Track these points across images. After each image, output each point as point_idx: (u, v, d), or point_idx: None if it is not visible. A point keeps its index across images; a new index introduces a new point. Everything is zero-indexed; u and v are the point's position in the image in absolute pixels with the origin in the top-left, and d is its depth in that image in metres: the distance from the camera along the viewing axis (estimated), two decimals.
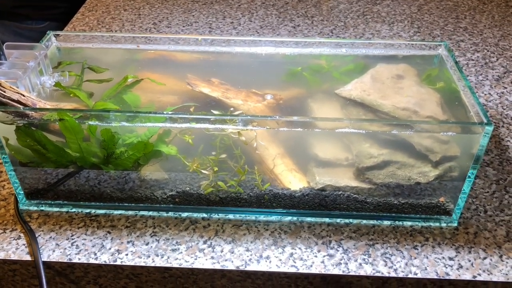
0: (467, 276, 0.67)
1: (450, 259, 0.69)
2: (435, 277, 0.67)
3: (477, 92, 1.03)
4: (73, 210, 0.77)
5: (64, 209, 0.77)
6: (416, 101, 0.72)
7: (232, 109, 0.72)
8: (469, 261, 0.69)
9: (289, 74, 0.80)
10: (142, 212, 0.76)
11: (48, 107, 0.70)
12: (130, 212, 0.76)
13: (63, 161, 0.71)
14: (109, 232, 0.73)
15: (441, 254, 0.70)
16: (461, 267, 0.68)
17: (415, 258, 0.69)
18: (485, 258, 0.69)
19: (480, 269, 0.68)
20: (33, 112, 0.67)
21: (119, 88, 0.75)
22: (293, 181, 0.73)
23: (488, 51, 1.17)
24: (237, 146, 0.71)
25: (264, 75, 0.81)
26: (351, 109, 0.74)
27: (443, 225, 0.74)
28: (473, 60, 1.14)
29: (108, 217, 0.76)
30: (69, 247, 0.71)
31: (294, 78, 0.80)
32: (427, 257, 0.69)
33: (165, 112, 0.66)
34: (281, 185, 0.73)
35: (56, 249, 0.71)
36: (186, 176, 0.74)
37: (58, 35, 0.85)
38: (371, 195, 0.73)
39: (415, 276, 0.67)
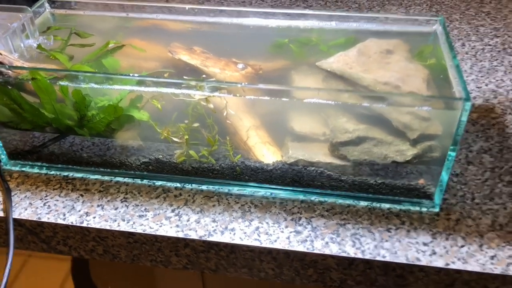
0: (439, 263, 0.63)
1: (424, 244, 0.65)
2: (404, 261, 0.63)
3: (488, 77, 0.96)
4: (52, 172, 0.78)
5: (44, 171, 0.78)
6: (400, 76, 0.68)
7: (204, 76, 0.70)
8: (445, 248, 0.65)
9: (275, 46, 0.78)
10: (117, 178, 0.76)
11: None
12: (106, 178, 0.76)
13: (39, 122, 0.72)
14: (81, 195, 0.74)
15: (415, 239, 0.66)
16: (435, 253, 0.64)
17: (387, 241, 0.66)
18: (462, 246, 0.65)
19: (455, 257, 0.63)
20: (8, 71, 0.68)
21: (100, 53, 0.75)
22: (266, 154, 0.71)
23: (509, 36, 1.10)
24: (210, 115, 0.69)
25: (250, 46, 0.79)
26: (331, 82, 0.70)
27: (423, 209, 0.70)
28: (490, 45, 1.06)
29: (84, 181, 0.76)
30: (41, 206, 0.72)
31: (280, 50, 0.77)
32: (399, 241, 0.66)
33: (130, 75, 0.65)
34: (254, 157, 0.71)
35: (28, 207, 0.72)
36: (160, 145, 0.73)
37: (53, 1, 0.86)
38: (345, 172, 0.69)
39: (382, 259, 0.63)
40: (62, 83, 0.67)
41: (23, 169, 0.78)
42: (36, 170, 0.78)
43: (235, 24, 0.82)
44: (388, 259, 0.63)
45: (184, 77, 0.69)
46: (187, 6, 0.82)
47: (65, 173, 0.77)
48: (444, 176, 0.66)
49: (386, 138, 0.67)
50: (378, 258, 0.64)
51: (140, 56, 0.76)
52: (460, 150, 0.79)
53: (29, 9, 0.78)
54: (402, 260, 0.63)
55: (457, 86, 0.63)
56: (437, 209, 0.69)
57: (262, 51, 0.77)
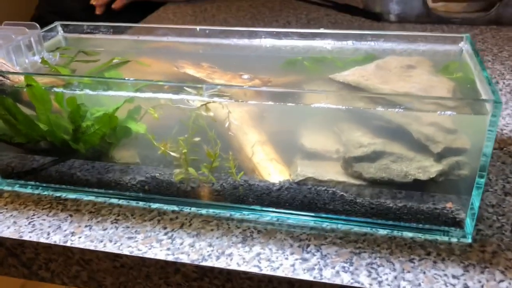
0: None
1: (454, 277, 0.55)
2: None
3: None
4: (45, 192, 0.72)
5: (36, 191, 0.73)
6: (423, 87, 0.61)
7: (204, 86, 0.65)
8: (479, 282, 0.54)
9: (288, 63, 0.73)
10: (112, 200, 0.70)
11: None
12: (100, 199, 0.70)
13: (34, 135, 0.68)
14: (70, 215, 0.67)
15: (443, 270, 0.56)
16: (467, 287, 0.53)
17: (409, 272, 0.56)
18: (501, 281, 0.54)
19: None
20: (5, 79, 0.66)
21: (103, 67, 0.72)
22: (272, 172, 0.64)
23: None
24: (212, 128, 0.63)
25: (261, 64, 0.75)
26: (343, 95, 0.64)
27: (453, 240, 0.60)
28: None
29: (76, 202, 0.70)
30: (25, 225, 0.66)
31: (293, 67, 0.72)
32: (424, 272, 0.55)
33: (126, 79, 0.61)
34: (259, 176, 0.64)
35: (12, 226, 0.66)
36: (158, 162, 0.68)
37: (66, 25, 0.85)
38: (361, 194, 0.61)
39: None
40: (57, 89, 0.63)
41: (15, 188, 0.73)
42: (28, 190, 0.73)
43: (246, 45, 0.78)
44: None
45: (185, 87, 0.64)
46: (198, 27, 0.79)
47: (58, 194, 0.72)
48: (476, 197, 0.57)
49: (407, 153, 0.59)
50: None
51: (145, 72, 0.73)
52: (496, 180, 0.70)
53: (37, 25, 0.77)
54: None
55: (486, 94, 0.56)
56: (469, 240, 0.59)
57: (274, 69, 0.73)
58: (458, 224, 0.59)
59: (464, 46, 0.70)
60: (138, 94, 0.61)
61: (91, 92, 0.62)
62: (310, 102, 0.57)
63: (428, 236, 0.60)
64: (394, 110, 0.54)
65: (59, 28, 0.85)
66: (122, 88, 0.62)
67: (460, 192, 0.59)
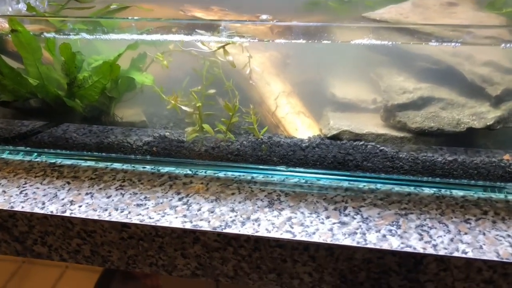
0: None
1: None
2: (495, 258, 0.45)
3: None
4: (37, 159, 0.64)
5: (28, 158, 0.64)
6: (472, 23, 0.53)
7: (222, 27, 0.56)
8: None
9: (311, 3, 0.64)
10: (115, 165, 0.61)
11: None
12: (101, 165, 0.62)
13: (22, 91, 0.59)
14: (68, 183, 0.59)
15: (505, 231, 0.48)
16: None
17: (466, 233, 0.48)
18: None
19: None
20: None
21: (99, 14, 0.63)
22: (300, 127, 0.56)
23: None
24: (229, 78, 0.55)
25: (280, 6, 0.66)
26: (383, 33, 0.56)
27: (510, 197, 0.52)
28: None
29: (73, 168, 0.61)
30: (16, 195, 0.57)
31: (316, 7, 0.64)
32: (483, 234, 0.48)
33: (129, 18, 0.52)
34: (284, 132, 0.56)
35: (0, 196, 0.57)
36: (167, 120, 0.59)
37: None
38: (404, 148, 0.53)
39: (464, 256, 0.46)
40: (47, 34, 0.54)
41: (3, 155, 0.64)
42: (19, 157, 0.64)
43: None
44: (470, 255, 0.46)
45: (197, 30, 0.55)
46: None
47: (52, 160, 0.63)
48: None
49: (458, 98, 0.51)
50: (456, 254, 0.46)
51: (146, 17, 0.63)
52: None
53: None
54: (491, 257, 0.46)
55: None
56: None
57: (295, 10, 0.64)
58: None
59: None
60: (143, 37, 0.52)
61: (88, 37, 0.53)
62: (349, 38, 0.48)
63: (482, 194, 0.53)
64: (450, 45, 0.46)
65: None
66: (125, 31, 0.53)
67: None
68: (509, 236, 0.48)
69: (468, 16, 0.55)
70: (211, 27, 0.51)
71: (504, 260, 0.45)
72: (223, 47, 0.51)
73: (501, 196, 0.53)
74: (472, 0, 0.60)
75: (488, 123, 0.50)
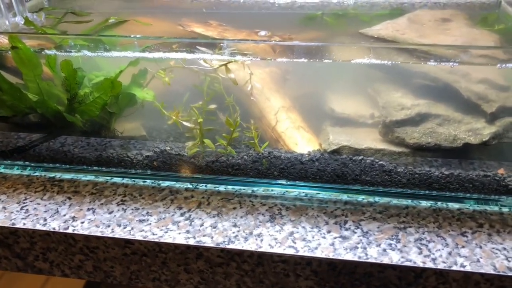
0: None
1: None
2: (492, 272, 0.47)
3: None
4: (36, 173, 0.63)
5: (26, 172, 0.64)
6: (466, 40, 0.55)
7: (223, 44, 0.57)
8: None
9: (307, 18, 0.65)
10: (115, 179, 0.62)
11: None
12: (101, 179, 0.62)
13: (21, 106, 0.59)
14: (69, 198, 0.59)
15: (501, 244, 0.50)
16: None
17: (463, 247, 0.50)
18: None
19: None
20: None
21: (98, 28, 0.63)
22: (300, 142, 0.57)
23: None
24: (230, 93, 0.56)
25: (276, 22, 0.67)
26: (382, 52, 0.57)
27: (504, 210, 0.54)
28: None
29: (74, 183, 0.62)
30: (17, 211, 0.57)
31: (313, 23, 0.65)
32: (480, 247, 0.50)
33: (131, 36, 0.52)
34: (284, 147, 0.57)
35: (1, 212, 0.57)
36: (168, 134, 0.60)
37: None
38: (402, 162, 0.55)
39: (462, 269, 0.47)
40: (48, 51, 0.54)
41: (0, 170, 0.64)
42: (17, 172, 0.64)
43: (257, 2, 0.70)
44: (469, 268, 0.47)
45: (198, 47, 0.56)
46: None
47: (52, 174, 0.63)
48: None
49: (454, 114, 0.52)
50: (455, 268, 0.48)
51: (145, 32, 0.64)
52: None
53: None
54: (488, 270, 0.47)
55: None
56: None
57: (291, 25, 0.65)
58: (510, 192, 0.54)
59: None
60: (145, 55, 0.53)
61: (89, 54, 0.53)
62: (350, 57, 0.49)
63: (477, 207, 0.55)
64: (448, 65, 0.48)
65: None
66: (126, 48, 0.53)
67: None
68: (504, 249, 0.49)
69: (462, 33, 0.57)
70: (213, 45, 0.52)
71: (501, 273, 0.47)
72: (225, 65, 0.52)
73: (496, 208, 0.54)
74: (465, 15, 0.62)
75: (484, 139, 0.51)
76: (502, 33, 0.57)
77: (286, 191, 0.58)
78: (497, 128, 0.51)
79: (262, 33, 0.58)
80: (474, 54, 0.49)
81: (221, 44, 0.51)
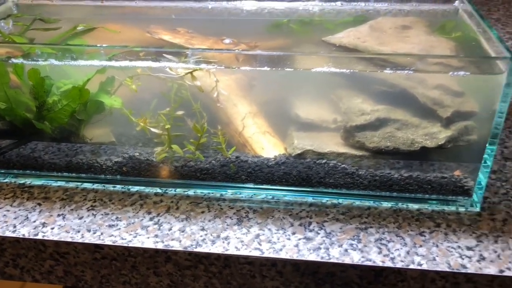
0: (491, 270, 0.49)
1: (469, 248, 0.52)
2: (447, 269, 0.49)
3: None
4: (5, 180, 0.64)
5: None
6: (423, 47, 0.57)
7: (189, 51, 0.58)
8: (495, 252, 0.51)
9: (273, 26, 0.67)
10: (85, 185, 0.62)
11: None
12: (71, 185, 0.63)
13: None
14: (39, 204, 0.60)
15: (456, 242, 0.52)
16: (483, 259, 0.50)
17: (421, 246, 0.52)
18: None
19: (510, 262, 0.50)
20: None
21: (66, 35, 0.64)
22: (266, 146, 0.58)
23: None
24: (197, 100, 0.57)
25: (244, 29, 0.68)
26: (342, 61, 0.59)
27: (461, 209, 0.57)
28: None
29: (44, 189, 0.62)
30: None
31: (279, 30, 0.66)
32: (436, 246, 0.52)
33: (98, 45, 0.53)
34: (251, 151, 0.59)
35: None
36: (136, 140, 0.61)
37: None
38: (363, 165, 0.57)
39: (419, 268, 0.50)
40: (15, 60, 0.55)
41: None
42: None
43: (225, 9, 0.71)
44: (425, 267, 0.50)
45: (164, 55, 0.57)
46: None
47: (21, 181, 0.63)
48: (487, 164, 0.54)
49: (412, 119, 0.55)
50: (412, 267, 0.50)
51: (114, 39, 0.65)
52: None
53: None
54: (443, 268, 0.50)
55: (497, 52, 0.52)
56: (477, 208, 0.56)
57: (258, 33, 0.67)
58: (466, 192, 0.56)
59: (460, 5, 0.66)
60: (112, 63, 0.54)
61: (57, 63, 0.54)
62: (311, 66, 0.51)
63: (435, 207, 0.57)
64: (404, 72, 0.50)
65: None
66: (93, 57, 0.54)
67: (468, 159, 0.56)
68: (459, 247, 0.52)
69: (420, 40, 0.59)
70: (179, 53, 0.53)
71: (455, 271, 0.49)
72: (190, 73, 0.53)
73: (453, 208, 0.57)
74: (425, 23, 0.65)
75: (439, 143, 0.54)
76: (459, 40, 0.60)
77: (254, 194, 0.60)
78: (452, 132, 0.54)
79: (227, 41, 0.60)
80: (429, 62, 0.52)
81: (186, 53, 0.52)
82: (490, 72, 0.50)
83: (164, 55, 0.53)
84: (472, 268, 0.49)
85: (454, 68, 0.50)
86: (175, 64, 0.52)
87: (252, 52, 0.53)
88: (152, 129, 0.57)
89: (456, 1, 0.67)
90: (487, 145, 0.52)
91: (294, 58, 0.51)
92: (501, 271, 0.49)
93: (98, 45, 0.53)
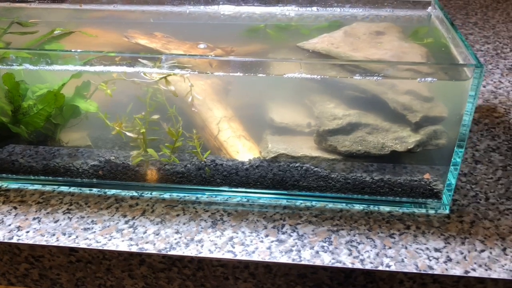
0: (457, 271, 0.50)
1: (437, 250, 0.53)
2: (414, 270, 0.51)
3: (485, 79, 0.88)
4: None
5: None
6: (395, 53, 0.58)
7: (163, 56, 0.59)
8: (461, 253, 0.52)
9: (250, 31, 0.68)
10: (62, 188, 0.63)
11: None
12: (48, 188, 0.63)
13: None
14: (15, 208, 0.60)
15: (424, 244, 0.54)
16: (450, 260, 0.52)
17: (390, 248, 0.53)
18: (483, 250, 0.53)
19: (475, 263, 0.51)
20: None
21: (43, 39, 0.64)
22: (241, 150, 0.59)
23: (500, 43, 1.03)
24: (172, 104, 0.58)
25: (221, 33, 0.69)
26: (313, 65, 0.60)
27: (431, 212, 0.58)
28: (482, 51, 0.99)
29: (20, 192, 0.62)
30: None
31: (256, 35, 0.67)
32: (405, 247, 0.53)
33: (73, 50, 0.53)
34: (226, 155, 0.59)
35: None
36: (113, 143, 0.61)
37: None
38: (336, 169, 0.58)
39: (387, 269, 0.51)
40: None
41: None
42: None
43: (203, 13, 0.72)
44: (393, 268, 0.51)
45: (140, 60, 0.57)
46: None
47: None
48: (456, 165, 0.55)
49: (382, 124, 0.56)
50: (381, 268, 0.51)
51: (91, 43, 0.65)
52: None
53: None
54: (411, 269, 0.51)
55: (465, 59, 0.54)
56: (446, 211, 0.58)
57: (235, 37, 0.67)
58: (435, 195, 0.58)
59: (433, 11, 0.68)
60: (87, 68, 0.54)
61: (32, 67, 0.54)
62: (283, 72, 0.52)
63: (406, 209, 0.58)
64: (373, 78, 0.51)
65: None
66: (68, 62, 0.54)
67: (437, 162, 0.57)
68: (427, 249, 0.53)
69: (393, 46, 0.60)
70: (153, 58, 0.53)
71: (422, 272, 0.50)
72: (164, 78, 0.54)
73: (423, 211, 0.58)
74: (398, 29, 0.66)
75: (409, 147, 0.55)
76: (430, 46, 0.61)
77: (229, 197, 0.61)
78: (421, 136, 0.55)
79: (202, 46, 0.61)
80: (399, 68, 0.53)
81: (161, 58, 0.53)
82: (457, 78, 0.51)
83: (139, 60, 0.54)
84: (438, 269, 0.51)
85: (423, 74, 0.52)
86: (150, 70, 0.53)
87: (225, 58, 0.53)
88: (128, 133, 0.58)
89: (429, 7, 0.69)
90: (455, 148, 0.54)
91: (267, 64, 0.52)
92: (467, 272, 0.50)
93: (73, 50, 0.53)
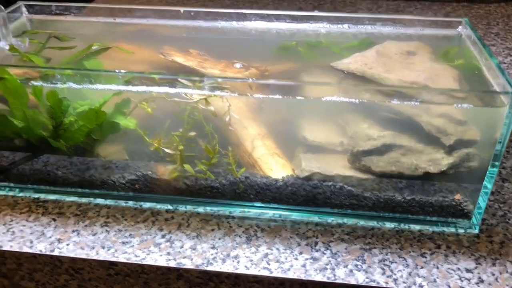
0: None
1: (468, 271, 0.54)
2: None
3: None
4: (20, 194, 0.66)
5: (11, 193, 0.66)
6: (428, 75, 0.59)
7: (205, 79, 0.60)
8: (493, 274, 0.54)
9: (281, 48, 0.69)
10: (98, 200, 0.64)
11: None
12: (84, 200, 0.65)
13: (7, 132, 0.61)
14: (54, 220, 0.62)
15: (455, 264, 0.55)
16: (482, 281, 0.53)
17: (422, 267, 0.55)
18: None
19: (507, 285, 0.52)
20: None
21: (81, 55, 0.65)
22: (274, 167, 0.61)
23: None
24: (209, 122, 0.59)
25: (253, 50, 0.70)
26: (351, 90, 0.61)
27: (460, 231, 0.59)
28: (505, 63, 1.00)
29: (58, 204, 0.64)
30: (3, 233, 0.60)
31: (287, 53, 0.68)
32: (437, 267, 0.55)
33: (116, 71, 0.55)
34: (260, 172, 0.61)
35: None
36: (149, 158, 0.63)
37: (31, 6, 0.77)
38: (369, 188, 0.59)
39: None
40: (35, 83, 0.57)
41: None
42: (1, 192, 0.66)
43: (235, 28, 0.73)
44: None
45: (180, 79, 0.59)
46: (182, 9, 0.74)
47: (36, 195, 0.65)
48: (487, 188, 0.56)
49: (416, 145, 0.57)
50: None
51: (127, 59, 0.67)
52: None
53: (2, 8, 0.69)
54: None
55: (498, 84, 0.55)
56: (476, 230, 0.59)
57: (267, 55, 0.69)
58: (465, 215, 0.59)
59: (464, 30, 0.69)
60: (130, 88, 0.56)
61: (75, 86, 0.56)
62: (321, 95, 0.53)
63: (436, 228, 0.59)
64: (410, 103, 0.52)
65: (23, 9, 0.76)
66: (110, 81, 0.56)
67: (468, 183, 0.58)
68: (458, 269, 0.54)
69: (425, 67, 0.61)
70: (194, 81, 0.55)
71: None
72: (204, 99, 0.55)
73: (452, 230, 0.59)
74: (429, 49, 0.67)
75: (442, 169, 0.56)
76: (461, 68, 0.62)
77: (262, 212, 0.62)
78: (454, 159, 0.56)
79: (238, 65, 0.62)
80: (433, 92, 0.54)
81: (202, 80, 0.54)
82: (492, 105, 0.52)
83: (180, 80, 0.55)
84: None
85: (458, 99, 0.53)
86: (191, 91, 0.55)
87: (266, 81, 0.55)
88: (166, 150, 0.59)
89: (460, 26, 0.70)
90: (489, 167, 0.55)
91: (305, 88, 0.53)
92: None
93: (117, 70, 0.55)
